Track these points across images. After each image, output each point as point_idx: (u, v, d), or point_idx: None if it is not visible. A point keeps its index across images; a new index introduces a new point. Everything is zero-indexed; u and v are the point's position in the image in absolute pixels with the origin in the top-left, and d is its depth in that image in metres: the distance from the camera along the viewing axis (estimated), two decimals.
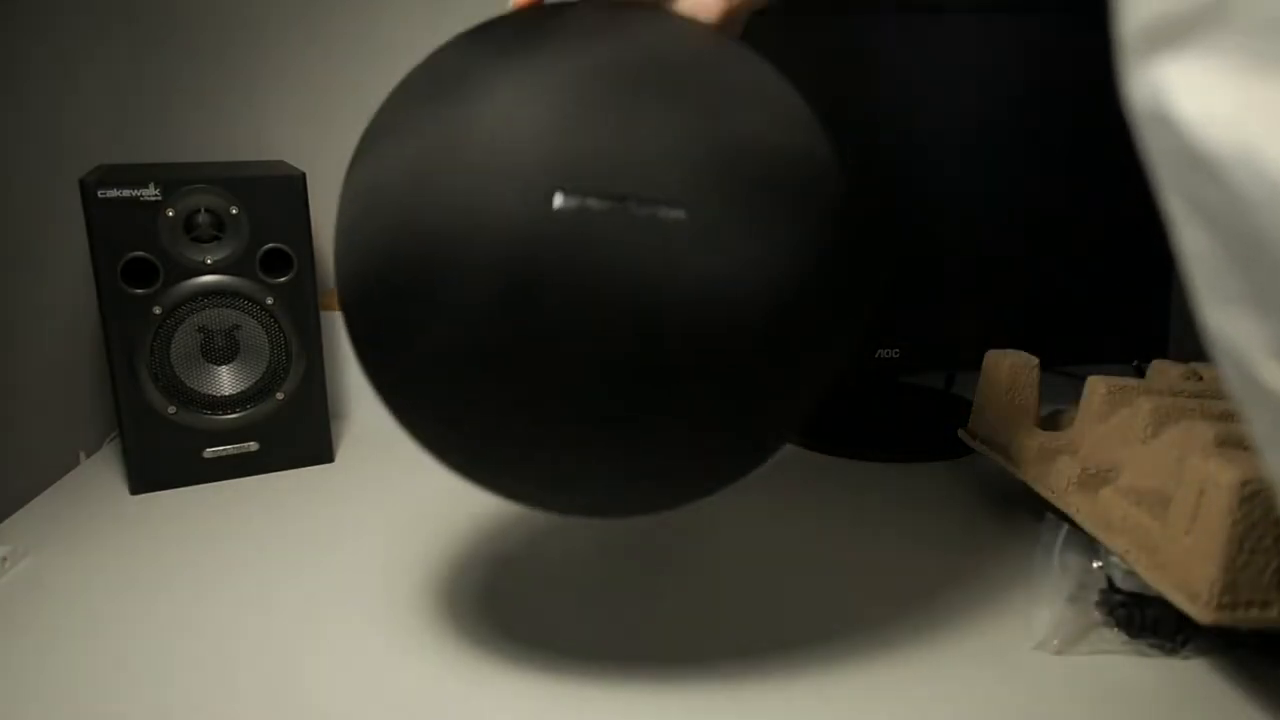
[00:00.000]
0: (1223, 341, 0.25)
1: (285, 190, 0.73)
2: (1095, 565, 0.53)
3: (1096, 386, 0.64)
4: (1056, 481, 0.59)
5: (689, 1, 0.46)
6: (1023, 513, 0.68)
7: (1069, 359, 0.88)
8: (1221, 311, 0.24)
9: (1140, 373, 0.91)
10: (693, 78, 0.41)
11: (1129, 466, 0.57)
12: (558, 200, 0.38)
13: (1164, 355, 0.80)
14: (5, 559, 0.61)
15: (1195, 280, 0.25)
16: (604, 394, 0.40)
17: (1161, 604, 0.50)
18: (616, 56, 0.41)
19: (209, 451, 0.75)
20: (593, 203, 0.38)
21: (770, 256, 0.40)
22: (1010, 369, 0.69)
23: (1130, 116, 0.26)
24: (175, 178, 0.70)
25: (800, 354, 0.43)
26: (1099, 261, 0.85)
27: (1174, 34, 0.24)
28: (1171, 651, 0.50)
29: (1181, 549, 0.46)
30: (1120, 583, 0.51)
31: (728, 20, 0.46)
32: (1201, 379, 0.69)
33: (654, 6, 0.45)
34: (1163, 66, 0.24)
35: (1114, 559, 0.52)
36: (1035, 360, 0.69)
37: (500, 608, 0.56)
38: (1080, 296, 0.85)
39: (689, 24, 0.45)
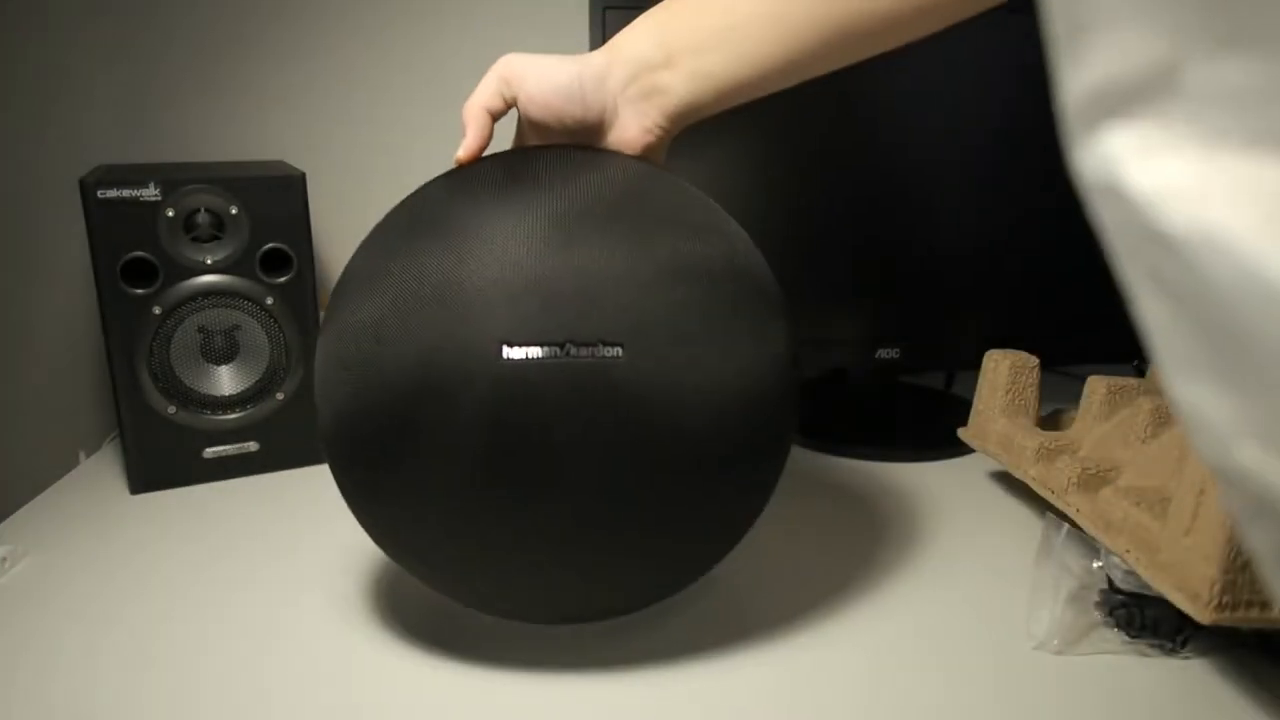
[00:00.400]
0: (1194, 417, 0.23)
1: (285, 190, 0.73)
2: (1095, 565, 0.53)
3: (1096, 386, 0.64)
4: (1056, 481, 0.59)
5: (613, 140, 0.51)
6: (1023, 513, 0.68)
7: (1069, 359, 0.88)
8: (1190, 386, 0.23)
9: (1140, 373, 0.91)
10: (631, 213, 0.45)
11: (1129, 466, 0.57)
12: (506, 351, 0.41)
13: None
14: (5, 559, 0.61)
15: (1159, 353, 0.24)
16: (559, 529, 0.44)
17: (1161, 604, 0.50)
18: (562, 207, 0.44)
19: (209, 451, 0.75)
20: (535, 351, 0.42)
21: (710, 379, 0.44)
22: (1010, 369, 0.69)
23: (1078, 187, 0.25)
24: (175, 178, 0.70)
25: (745, 466, 0.47)
26: (1099, 262, 0.84)
27: (1123, 102, 0.23)
28: (1171, 651, 0.50)
29: (1181, 549, 0.46)
30: (1120, 583, 0.51)
31: (648, 151, 0.51)
32: None
33: (591, 147, 0.50)
34: (1112, 137, 0.23)
35: (1114, 559, 0.52)
36: (1035, 360, 0.69)
37: None
38: (1080, 296, 0.85)
39: (625, 162, 0.49)
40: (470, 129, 0.49)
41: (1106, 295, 0.85)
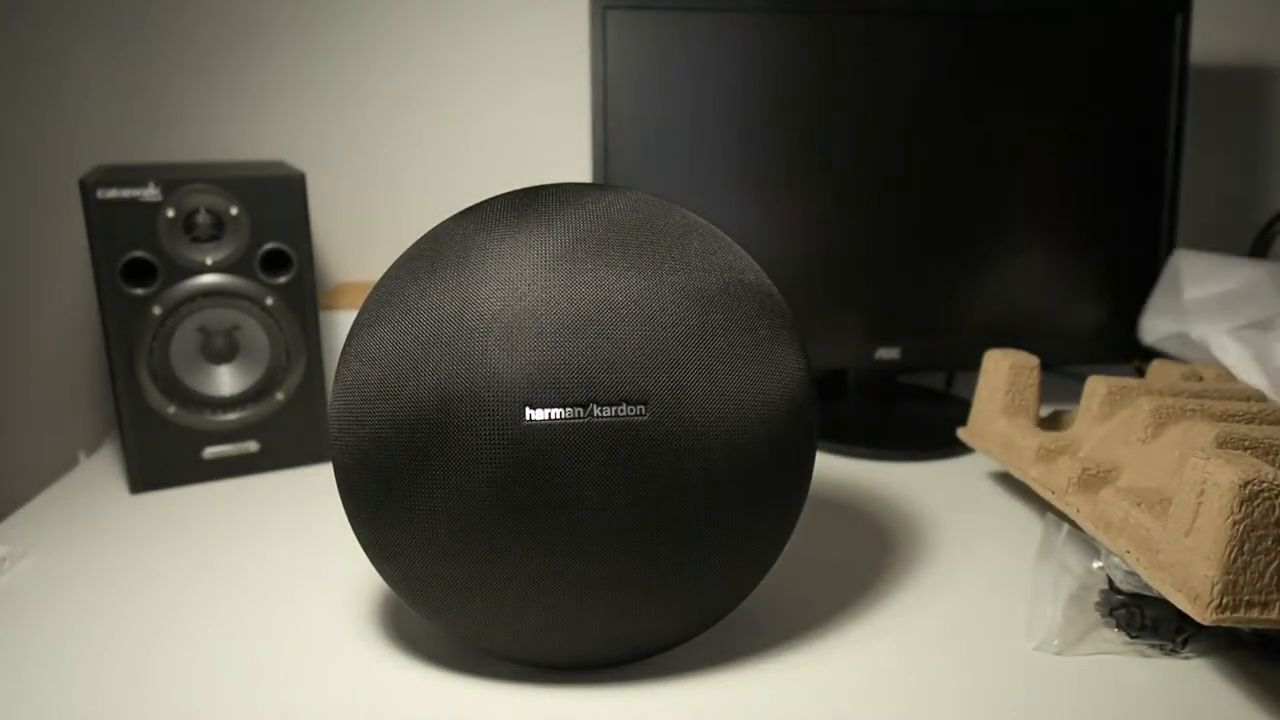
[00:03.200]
0: None
1: (285, 190, 0.73)
2: (1095, 565, 0.53)
3: (1096, 387, 0.64)
4: (1056, 482, 0.59)
5: None
6: (1023, 513, 0.68)
7: (1069, 359, 0.88)
8: None
9: (1140, 373, 0.91)
10: (644, 245, 0.45)
11: (1129, 467, 0.57)
12: (528, 414, 0.42)
13: (1164, 355, 0.80)
14: (5, 559, 0.61)
15: None
16: (580, 579, 0.44)
17: (1161, 604, 0.50)
18: (574, 244, 0.45)
19: (209, 451, 0.75)
20: (559, 413, 0.42)
21: (734, 424, 0.44)
22: (1010, 369, 0.69)
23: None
24: (175, 178, 0.70)
25: (766, 510, 0.47)
26: (1099, 262, 0.85)
27: None
28: (1171, 652, 0.50)
29: (1182, 549, 0.46)
30: (1120, 583, 0.51)
31: None
32: (1202, 379, 0.69)
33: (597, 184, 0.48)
34: None
35: (1114, 559, 0.52)
36: (1035, 360, 0.69)
37: None
38: (1080, 296, 0.85)
39: (630, 193, 0.48)
40: None
41: (1107, 295, 0.85)
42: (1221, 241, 1.02)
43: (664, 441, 0.43)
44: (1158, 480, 0.54)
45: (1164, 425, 0.57)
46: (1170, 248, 0.85)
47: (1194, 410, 0.57)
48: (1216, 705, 0.46)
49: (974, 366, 0.75)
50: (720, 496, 0.44)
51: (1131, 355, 0.87)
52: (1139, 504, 0.51)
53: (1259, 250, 0.98)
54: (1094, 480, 0.57)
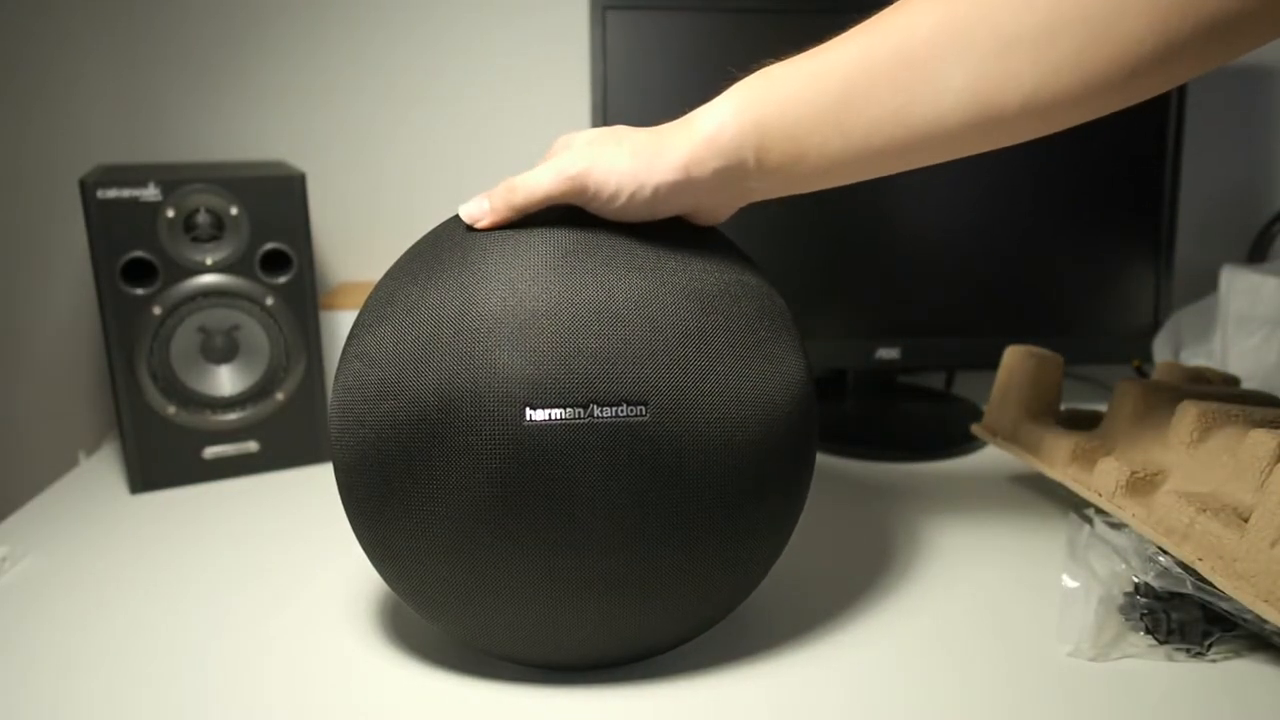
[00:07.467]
0: None
1: (285, 190, 0.73)
2: (1120, 568, 0.52)
3: (1129, 389, 0.62)
4: (1102, 484, 0.57)
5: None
6: (1022, 513, 0.68)
7: (1069, 359, 0.88)
8: None
9: (1141, 373, 0.91)
10: (645, 247, 0.46)
11: (1175, 470, 0.56)
12: (529, 414, 0.42)
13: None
14: (5, 559, 0.61)
15: None
16: (580, 579, 0.44)
17: (1187, 607, 0.49)
18: (575, 245, 0.45)
19: (209, 451, 0.75)
20: (559, 414, 0.42)
21: (734, 424, 0.44)
22: (1037, 365, 0.67)
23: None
24: (175, 178, 0.70)
25: (767, 510, 0.47)
26: (1098, 262, 0.85)
27: None
28: (1198, 655, 0.49)
29: (1268, 559, 0.45)
30: (1144, 588, 0.50)
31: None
32: (1210, 381, 0.68)
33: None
34: None
35: (1137, 562, 0.51)
36: (1060, 357, 0.68)
37: None
38: (1079, 296, 0.85)
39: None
40: (503, 211, 0.46)
41: (1106, 295, 0.85)
42: (1221, 241, 1.02)
43: (664, 442, 0.43)
44: (1209, 486, 0.52)
45: (1209, 430, 0.56)
46: (1170, 248, 0.85)
47: (1237, 416, 0.55)
48: (1248, 708, 0.46)
49: (974, 366, 0.75)
50: (720, 497, 0.44)
51: (1131, 355, 0.87)
52: (1204, 510, 0.49)
53: (1259, 251, 0.98)
54: (1142, 483, 0.55)
